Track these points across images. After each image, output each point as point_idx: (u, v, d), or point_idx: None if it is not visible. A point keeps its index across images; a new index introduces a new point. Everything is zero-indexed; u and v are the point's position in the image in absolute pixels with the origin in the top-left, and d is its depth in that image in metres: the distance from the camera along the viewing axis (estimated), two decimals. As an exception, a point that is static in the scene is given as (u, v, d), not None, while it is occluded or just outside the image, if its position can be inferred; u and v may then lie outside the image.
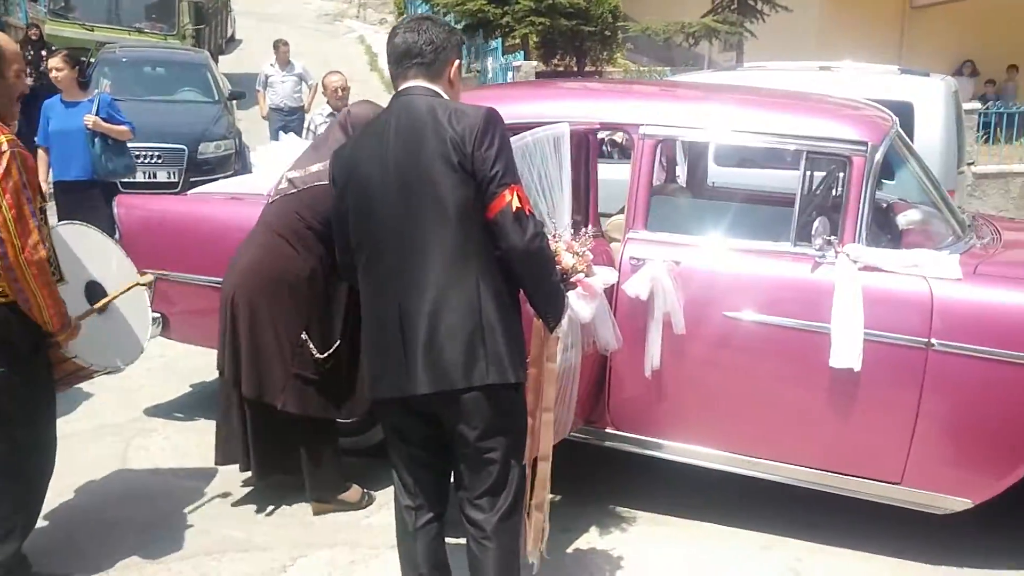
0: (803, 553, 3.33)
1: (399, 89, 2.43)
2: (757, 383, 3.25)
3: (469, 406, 2.33)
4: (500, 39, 14.89)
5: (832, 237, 3.11)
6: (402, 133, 2.34)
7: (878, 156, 3.15)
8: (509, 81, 13.26)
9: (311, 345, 3.32)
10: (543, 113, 3.31)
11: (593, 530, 3.46)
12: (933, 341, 3.02)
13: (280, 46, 10.85)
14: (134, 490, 3.73)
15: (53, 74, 5.99)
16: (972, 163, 8.70)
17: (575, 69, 15.54)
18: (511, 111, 3.30)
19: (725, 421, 3.33)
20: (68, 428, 4.33)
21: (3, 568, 2.84)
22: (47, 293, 2.72)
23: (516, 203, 2.31)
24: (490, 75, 15.20)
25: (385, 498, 3.56)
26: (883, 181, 3.79)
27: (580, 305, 2.71)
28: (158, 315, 4.08)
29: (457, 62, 2.46)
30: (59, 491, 3.63)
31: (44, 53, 11.16)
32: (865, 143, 3.17)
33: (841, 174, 3.27)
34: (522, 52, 14.63)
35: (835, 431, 3.18)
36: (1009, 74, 14.70)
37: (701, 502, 3.59)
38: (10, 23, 19.22)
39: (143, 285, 3.36)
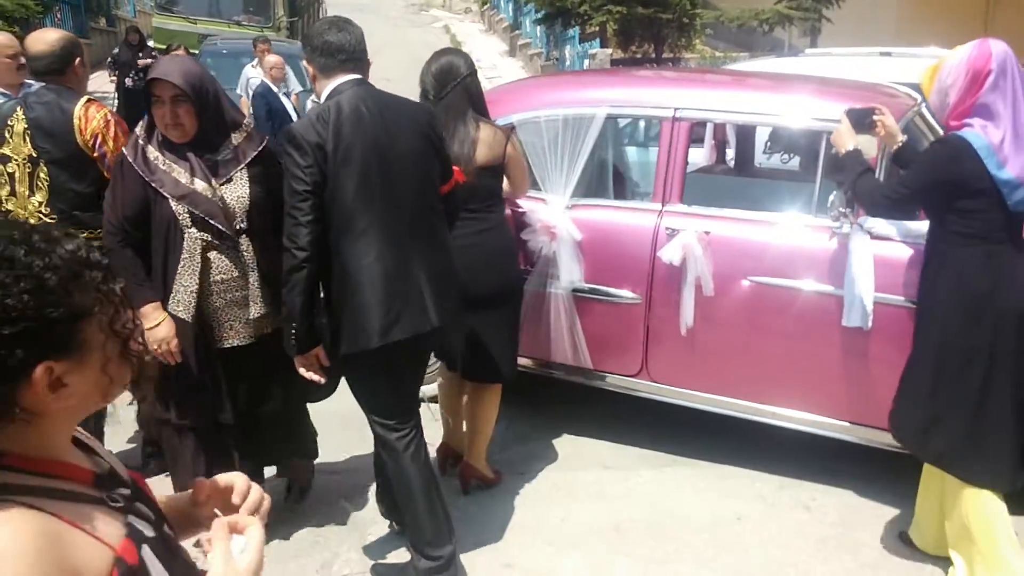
0: (816, 493, 3.71)
1: (348, 79, 2.81)
2: (779, 341, 3.63)
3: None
4: (577, 27, 15.27)
5: (847, 209, 3.47)
6: (387, 115, 2.79)
7: (893, 137, 3.48)
8: (585, 68, 13.65)
9: None
10: (592, 99, 3.83)
11: (635, 470, 3.92)
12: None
13: (259, 43, 9.76)
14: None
15: None
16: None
17: (652, 56, 15.81)
18: (570, 97, 3.87)
19: (750, 374, 3.73)
20: None
21: None
22: None
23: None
24: (567, 63, 15.61)
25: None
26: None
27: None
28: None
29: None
30: None
31: (141, 54, 12.15)
32: (880, 125, 3.50)
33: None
34: (598, 40, 14.98)
35: (845, 384, 3.54)
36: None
37: (725, 447, 4.00)
38: (119, 16, 20.58)
39: None
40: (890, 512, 3.57)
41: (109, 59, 15.28)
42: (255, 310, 3.00)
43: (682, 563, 3.23)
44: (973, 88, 2.75)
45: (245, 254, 2.98)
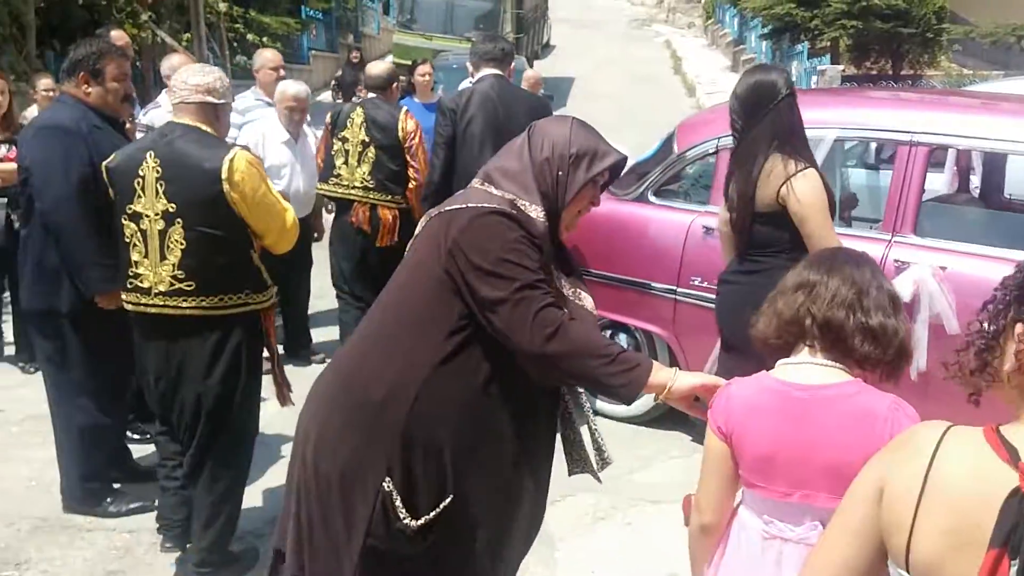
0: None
1: (488, 72, 4.31)
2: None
3: None
4: (806, 43, 14.65)
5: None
6: (506, 98, 4.20)
7: None
8: (812, 87, 13.06)
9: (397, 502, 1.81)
10: (820, 120, 3.68)
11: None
12: None
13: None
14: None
15: (426, 79, 7.25)
16: None
17: (889, 73, 14.86)
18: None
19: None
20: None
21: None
22: None
23: None
24: (794, 80, 15.01)
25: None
26: None
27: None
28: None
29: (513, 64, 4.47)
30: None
31: (361, 75, 12.85)
32: None
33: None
34: (828, 56, 14.29)
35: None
36: None
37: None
38: (365, 33, 22.24)
39: None
40: None
41: (333, 81, 16.20)
42: None
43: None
44: None
45: None
